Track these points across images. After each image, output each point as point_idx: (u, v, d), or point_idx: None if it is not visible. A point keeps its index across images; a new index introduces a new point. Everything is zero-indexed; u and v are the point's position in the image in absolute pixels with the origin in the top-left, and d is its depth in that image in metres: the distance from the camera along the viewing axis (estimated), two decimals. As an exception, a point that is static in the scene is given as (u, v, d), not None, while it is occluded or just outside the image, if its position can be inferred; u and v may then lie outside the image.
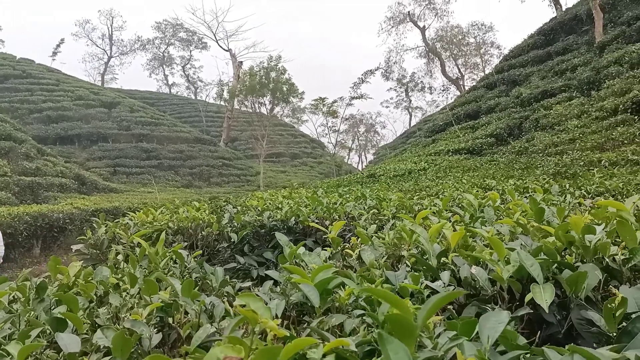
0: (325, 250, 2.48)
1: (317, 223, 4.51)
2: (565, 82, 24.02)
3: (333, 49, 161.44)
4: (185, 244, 3.91)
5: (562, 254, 1.77)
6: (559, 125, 19.18)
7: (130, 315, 1.35)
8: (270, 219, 4.68)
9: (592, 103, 19.46)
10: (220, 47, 55.60)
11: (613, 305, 1.29)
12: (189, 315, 1.32)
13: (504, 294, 1.58)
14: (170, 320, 1.34)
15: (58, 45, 63.46)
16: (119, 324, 1.42)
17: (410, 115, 69.82)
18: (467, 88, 46.48)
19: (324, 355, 0.96)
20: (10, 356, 1.06)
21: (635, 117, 15.45)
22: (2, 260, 9.32)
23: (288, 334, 0.89)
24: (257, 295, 1.17)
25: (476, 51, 56.31)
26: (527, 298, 1.49)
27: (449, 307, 1.56)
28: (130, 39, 76.03)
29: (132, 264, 1.98)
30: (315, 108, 44.13)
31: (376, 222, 4.12)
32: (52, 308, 1.53)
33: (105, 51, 71.60)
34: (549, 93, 24.13)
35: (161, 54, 75.43)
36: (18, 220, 12.79)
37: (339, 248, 2.43)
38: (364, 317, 1.29)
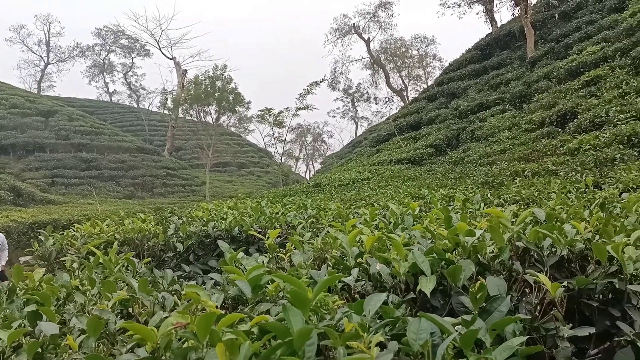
0: (265, 255, 2.83)
1: (259, 232, 4.84)
2: (499, 95, 25.46)
3: (280, 60, 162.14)
4: (133, 254, 4.13)
5: (451, 253, 2.19)
6: (492, 137, 20.35)
7: (95, 308, 1.64)
8: (215, 229, 4.96)
9: (522, 116, 20.78)
10: (164, 55, 54.90)
11: (474, 289, 1.70)
12: (145, 307, 1.63)
13: (401, 285, 1.97)
14: (130, 310, 1.65)
15: (-10, 51, 60.49)
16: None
17: (357, 125, 71.22)
18: (410, 99, 48.07)
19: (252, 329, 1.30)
20: (1, 340, 1.34)
21: (559, 129, 16.70)
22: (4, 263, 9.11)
23: (222, 312, 1.21)
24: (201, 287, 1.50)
25: (419, 63, 58.33)
26: (418, 288, 1.89)
27: (356, 296, 1.94)
28: (68, 46, 73.50)
29: (89, 270, 2.25)
30: (261, 118, 44.34)
31: (314, 230, 4.50)
32: (22, 307, 1.79)
33: (42, 58, 68.95)
34: (484, 106, 25.49)
35: (101, 61, 73.42)
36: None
37: (275, 253, 2.77)
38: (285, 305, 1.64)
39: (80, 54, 70.81)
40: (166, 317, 1.37)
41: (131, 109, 66.85)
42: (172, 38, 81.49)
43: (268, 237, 2.88)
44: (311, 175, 61.32)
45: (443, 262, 2.07)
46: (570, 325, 1.79)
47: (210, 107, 42.74)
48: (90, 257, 2.66)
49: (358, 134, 63.99)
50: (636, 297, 1.97)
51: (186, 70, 51.85)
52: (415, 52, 57.86)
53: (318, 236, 4.00)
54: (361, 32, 56.17)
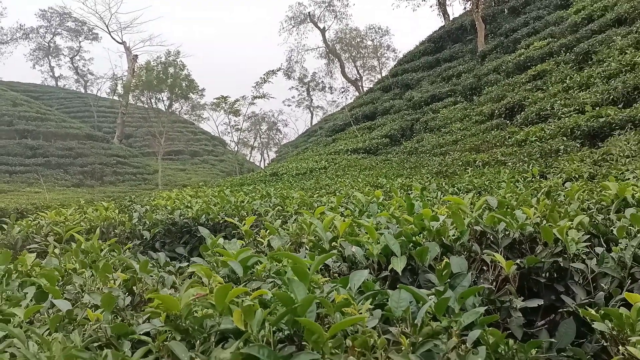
0: (240, 241, 2.99)
1: (224, 220, 4.98)
2: (451, 87, 26.23)
3: (234, 43, 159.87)
4: (116, 239, 4.20)
5: (417, 236, 2.42)
6: (444, 128, 21.02)
7: (95, 289, 1.77)
8: (181, 217, 5.05)
9: (473, 108, 21.55)
10: (114, 39, 53.12)
11: (440, 267, 1.93)
12: (147, 285, 1.77)
13: (374, 265, 2.19)
14: (133, 289, 1.78)
15: None
16: (79, 298, 1.82)
17: (312, 114, 71.46)
18: (365, 89, 48.63)
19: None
20: (18, 316, 1.45)
21: (507, 121, 17.46)
22: None
23: (231, 285, 1.37)
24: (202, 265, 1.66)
25: (374, 54, 58.92)
26: (390, 267, 2.10)
27: (335, 275, 2.14)
28: (11, 27, 69.84)
29: (76, 255, 2.35)
30: (217, 106, 43.81)
31: (280, 217, 4.67)
32: (19, 289, 1.89)
33: (-19, 39, 65.34)
34: (437, 97, 26.22)
35: (46, 44, 70.26)
36: None
37: (251, 238, 2.94)
38: (275, 282, 1.82)
39: (23, 36, 67.53)
40: (168, 294, 1.52)
41: (78, 95, 64.44)
42: (122, 22, 78.81)
43: (244, 224, 3.03)
44: (266, 164, 61.22)
45: (411, 245, 2.29)
46: (522, 298, 2.06)
47: (162, 93, 41.84)
48: (71, 243, 2.74)
49: (313, 123, 64.27)
50: (578, 274, 2.26)
51: (137, 56, 50.47)
52: (370, 43, 58.41)
53: (286, 223, 4.19)
54: (317, 21, 56.28)
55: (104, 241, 4.84)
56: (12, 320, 1.45)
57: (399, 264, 2.04)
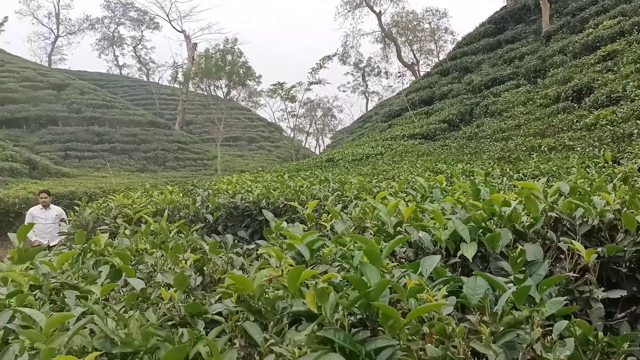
0: (302, 225, 2.99)
1: (284, 205, 5.02)
2: (514, 70, 25.21)
3: (293, 34, 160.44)
4: (184, 221, 4.33)
5: (487, 222, 2.33)
6: (506, 112, 20.26)
7: (166, 268, 1.81)
8: (243, 201, 5.13)
9: (537, 91, 20.63)
10: (174, 27, 54.76)
11: (514, 255, 1.85)
12: (217, 266, 1.79)
13: (442, 251, 2.12)
14: (204, 269, 1.81)
15: (1, 24, 60.47)
16: (151, 277, 1.87)
17: (367, 100, 70.84)
18: (422, 74, 47.64)
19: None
20: (94, 294, 1.50)
21: (575, 104, 16.61)
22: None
23: (303, 267, 1.36)
24: (273, 246, 1.66)
25: (431, 37, 57.48)
26: (459, 253, 2.03)
27: (402, 261, 2.09)
28: (78, 18, 73.22)
29: (146, 236, 2.42)
30: (273, 93, 44.25)
31: (340, 202, 4.65)
32: (94, 267, 1.96)
33: (52, 30, 68.77)
34: (498, 80, 25.28)
35: (111, 34, 73.09)
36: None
37: (314, 222, 2.93)
38: (341, 265, 1.79)
39: (89, 26, 70.53)
40: (238, 275, 1.52)
41: (141, 83, 66.78)
42: (182, 11, 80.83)
43: (306, 208, 3.02)
44: (321, 150, 61.41)
45: (480, 231, 2.20)
46: (602, 288, 1.93)
47: (220, 80, 42.66)
48: (140, 225, 2.83)
49: (369, 109, 63.75)
50: (663, 264, 2.10)
51: (196, 44, 51.64)
52: (427, 26, 56.99)
53: (346, 208, 4.16)
54: (372, 4, 55.40)
55: (170, 223, 5.01)
56: (89, 297, 1.50)
57: (469, 250, 1.97)
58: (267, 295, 1.34)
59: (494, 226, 2.25)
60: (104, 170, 29.99)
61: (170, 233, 2.49)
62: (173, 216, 4.95)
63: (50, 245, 9.11)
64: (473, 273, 1.46)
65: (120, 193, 5.17)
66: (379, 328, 1.23)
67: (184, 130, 47.90)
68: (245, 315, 1.29)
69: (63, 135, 34.24)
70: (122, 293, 1.61)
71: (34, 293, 1.54)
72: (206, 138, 48.29)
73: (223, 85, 43.23)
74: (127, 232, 2.69)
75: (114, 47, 74.73)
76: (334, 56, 46.71)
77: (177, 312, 1.36)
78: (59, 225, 9.30)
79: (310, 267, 1.78)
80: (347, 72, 67.52)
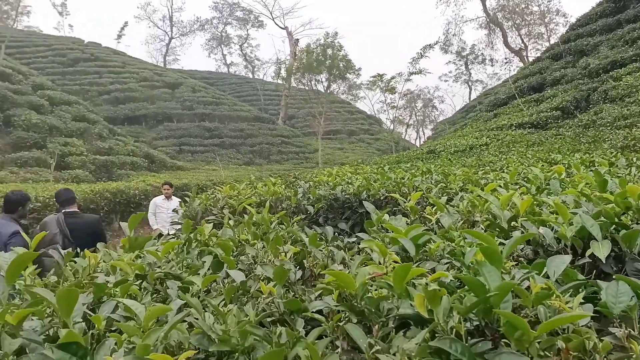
0: (404, 218, 2.84)
1: (384, 197, 4.88)
2: (636, 51, 22.80)
3: (390, 24, 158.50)
4: (284, 212, 4.36)
5: (622, 217, 2.03)
6: (629, 97, 18.39)
7: (267, 260, 1.77)
8: (343, 193, 5.06)
9: (666, 72, 18.49)
10: (277, 25, 56.30)
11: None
12: (317, 260, 1.72)
13: (567, 250, 1.87)
14: (304, 263, 1.75)
15: (122, 29, 66.00)
16: (252, 269, 1.84)
17: (470, 89, 68.10)
18: (530, 59, 44.79)
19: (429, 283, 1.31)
20: (196, 285, 1.49)
21: None
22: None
23: (410, 264, 1.23)
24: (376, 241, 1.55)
25: (540, 20, 53.82)
26: (588, 252, 1.78)
27: (520, 259, 1.88)
28: (189, 20, 77.98)
29: (248, 227, 2.42)
30: (373, 85, 43.97)
31: (444, 194, 4.42)
32: (198, 257, 1.98)
33: (167, 33, 73.83)
34: (618, 63, 23.01)
35: (219, 34, 76.96)
36: (99, 197, 13.86)
37: (417, 215, 2.77)
38: (452, 263, 1.63)
39: (199, 27, 74.84)
40: (339, 270, 1.43)
41: (247, 80, 69.61)
42: (284, 8, 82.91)
43: (409, 200, 2.87)
44: (422, 142, 60.12)
45: (613, 227, 1.93)
46: None
47: (321, 75, 43.18)
48: (244, 215, 2.85)
49: (472, 98, 61.20)
50: None
51: (298, 40, 52.68)
52: (536, 8, 53.40)
53: (451, 200, 3.94)
54: (477, -11, 52.92)
55: (272, 214, 5.09)
56: (191, 288, 1.49)
57: (601, 250, 1.71)
58: (369, 294, 1.23)
59: (630, 222, 1.95)
60: (214, 164, 31.63)
61: (271, 224, 2.47)
62: (276, 207, 5.01)
63: (170, 234, 9.76)
64: (614, 277, 1.24)
65: (227, 184, 5.33)
66: (501, 339, 1.07)
67: (287, 125, 49.22)
68: (346, 315, 1.19)
69: (177, 131, 36.61)
70: (223, 285, 1.59)
71: (138, 282, 1.56)
72: (308, 132, 49.25)
73: (324, 79, 43.73)
74: (232, 222, 2.71)
75: (222, 46, 78.63)
76: (435, 44, 45.30)
77: (276, 309, 1.29)
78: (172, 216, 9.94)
79: (416, 264, 1.64)
80: (449, 61, 65.38)
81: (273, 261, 1.74)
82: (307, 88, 45.55)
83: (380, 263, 1.44)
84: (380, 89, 44.28)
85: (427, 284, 1.15)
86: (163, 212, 9.81)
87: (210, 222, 4.27)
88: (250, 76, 76.16)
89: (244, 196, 4.98)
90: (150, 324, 1.10)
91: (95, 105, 35.53)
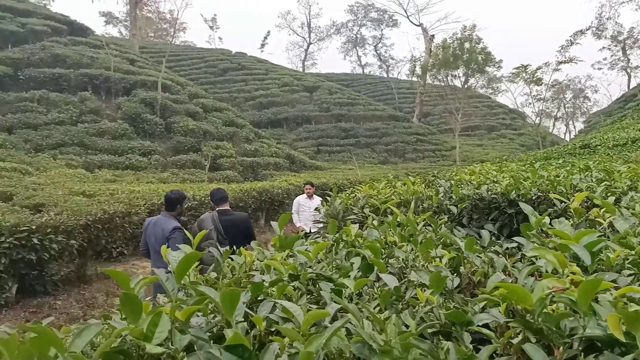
0: (567, 221, 2.56)
1: (537, 196, 4.48)
2: None
3: (533, 11, 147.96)
4: (430, 213, 4.24)
5: None
6: None
7: (418, 265, 1.69)
8: (489, 192, 4.77)
9: None
10: (411, 22, 55.52)
11: None
12: (475, 267, 1.60)
13: None
14: (460, 269, 1.64)
15: (265, 37, 70.27)
16: (402, 274, 1.76)
17: (629, 77, 60.80)
18: None
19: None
20: (348, 287, 1.46)
21: None
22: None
23: (583, 278, 1.07)
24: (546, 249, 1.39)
25: None
26: None
27: None
28: (326, 25, 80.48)
29: (393, 227, 2.35)
30: (516, 77, 41.35)
31: (609, 194, 3.94)
32: (346, 258, 1.96)
33: (305, 39, 76.84)
34: None
35: (354, 36, 78.18)
36: (247, 195, 14.80)
37: (582, 218, 2.47)
38: (637, 276, 1.41)
39: (335, 31, 76.71)
40: (502, 279, 1.29)
41: (381, 79, 69.75)
42: (419, 5, 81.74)
43: (572, 201, 2.58)
44: (572, 136, 55.23)
45: None
46: None
47: (458, 70, 41.69)
48: (388, 215, 2.79)
49: (631, 87, 54.62)
50: None
51: (433, 36, 51.48)
52: None
53: (619, 201, 3.49)
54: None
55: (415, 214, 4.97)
56: (343, 291, 1.46)
57: None
58: (545, 310, 1.09)
59: None
60: (350, 163, 32.16)
61: (417, 225, 2.38)
62: (416, 207, 4.88)
63: (311, 232, 10.17)
64: None
65: (366, 184, 5.33)
66: None
67: (422, 122, 48.33)
68: (520, 332, 1.07)
69: (315, 132, 37.88)
70: (374, 289, 1.54)
71: (292, 283, 1.57)
72: (444, 129, 47.93)
73: (461, 74, 42.17)
74: (375, 222, 2.67)
75: (357, 48, 79.78)
76: (587, 30, 41.24)
77: (436, 319, 1.20)
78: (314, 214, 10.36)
79: (592, 273, 1.44)
80: (603, 47, 58.89)
81: (426, 266, 1.65)
82: (443, 84, 44.28)
83: (554, 273, 1.28)
84: (525, 80, 41.46)
85: (626, 303, 0.98)
86: (305, 210, 10.19)
87: (353, 222, 4.29)
88: (385, 75, 76.19)
89: (383, 195, 4.93)
90: (308, 327, 1.08)
91: (242, 110, 38.12)
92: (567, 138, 61.48)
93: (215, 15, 71.56)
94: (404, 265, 1.75)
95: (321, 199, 10.70)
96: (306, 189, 10.35)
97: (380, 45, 77.65)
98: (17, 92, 22.93)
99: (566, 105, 62.34)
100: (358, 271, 1.69)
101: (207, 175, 21.20)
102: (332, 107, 41.53)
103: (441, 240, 2.13)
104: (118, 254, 10.95)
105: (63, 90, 24.16)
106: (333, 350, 1.05)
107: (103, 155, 20.66)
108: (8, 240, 7.25)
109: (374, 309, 1.28)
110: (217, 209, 6.39)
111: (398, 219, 2.61)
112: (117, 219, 9.42)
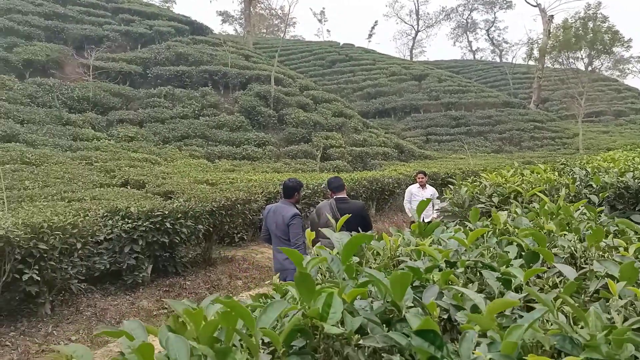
0: None
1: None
2: None
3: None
4: (585, 201, 3.94)
5: None
6: None
7: (591, 255, 1.54)
8: (637, 180, 4.31)
9: None
10: (528, 3, 52.00)
11: None
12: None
13: None
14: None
15: (372, 28, 70.01)
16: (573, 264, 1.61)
17: None
18: None
19: None
20: (517, 278, 1.36)
21: None
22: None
23: None
24: None
25: None
26: None
27: None
28: (435, 11, 78.26)
29: (544, 215, 2.18)
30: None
31: None
32: (498, 245, 1.84)
33: (413, 27, 75.28)
34: None
35: (464, 21, 75.17)
36: (358, 185, 14.84)
37: None
38: None
39: (445, 17, 74.31)
40: None
41: (494, 65, 66.41)
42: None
43: None
44: None
45: None
46: None
47: (581, 51, 38.39)
48: (533, 204, 2.60)
49: None
50: None
51: (552, 16, 47.84)
52: None
53: None
54: None
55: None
56: (512, 281, 1.36)
57: None
58: None
59: None
60: (461, 152, 31.07)
61: (575, 213, 2.18)
62: (551, 196, 4.55)
63: (426, 221, 9.99)
64: None
65: (491, 172, 5.07)
66: None
67: (540, 109, 45.31)
68: None
69: (424, 121, 37.06)
70: (542, 279, 1.42)
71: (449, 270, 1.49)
72: (564, 115, 44.64)
73: (584, 56, 38.81)
74: (519, 211, 2.50)
75: (467, 33, 76.74)
76: None
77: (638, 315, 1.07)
78: (432, 203, 10.22)
79: None
80: None
81: (608, 256, 1.49)
82: (564, 67, 41.08)
83: None
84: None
85: None
86: (418, 199, 10.06)
87: (482, 210, 4.09)
88: (498, 60, 72.48)
89: (512, 184, 4.65)
90: (493, 317, 1.00)
91: (351, 101, 38.33)
92: None
93: (323, 8, 72.69)
94: (572, 255, 1.60)
95: (434, 189, 10.49)
96: (419, 178, 10.18)
97: (492, 29, 73.98)
98: (147, 89, 24.98)
99: None
100: (515, 258, 1.57)
101: (318, 164, 21.61)
102: (442, 95, 40.32)
103: (613, 230, 1.93)
104: (239, 239, 11.55)
105: (186, 86, 25.92)
106: (527, 342, 0.97)
107: (222, 147, 21.87)
108: (144, 224, 7.89)
109: (556, 302, 1.17)
110: (335, 197, 6.46)
111: (546, 207, 2.42)
112: (238, 205, 9.89)
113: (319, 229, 5.99)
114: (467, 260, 1.53)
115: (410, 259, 1.69)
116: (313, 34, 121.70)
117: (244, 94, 26.39)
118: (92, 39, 26.97)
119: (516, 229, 1.94)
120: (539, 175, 4.89)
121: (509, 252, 1.72)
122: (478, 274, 1.46)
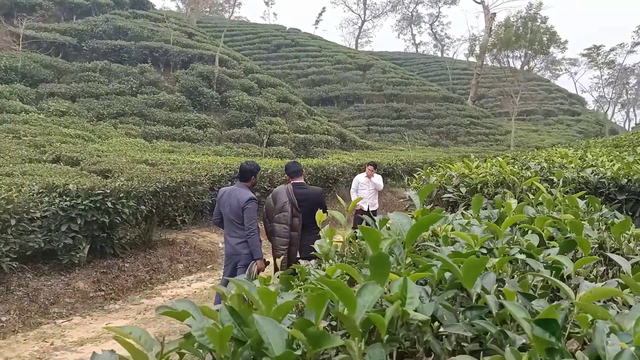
0: None
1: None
2: None
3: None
4: (585, 192, 3.96)
5: None
6: None
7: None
8: (596, 177, 4.45)
9: None
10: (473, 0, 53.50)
11: None
12: None
13: None
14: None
15: (320, 14, 69.56)
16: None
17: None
18: None
19: None
20: (565, 267, 1.27)
21: None
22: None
23: None
24: None
25: None
26: None
27: None
28: (382, 1, 78.90)
29: (548, 206, 2.13)
30: (589, 59, 39.39)
31: None
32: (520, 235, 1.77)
33: (360, 16, 75.57)
34: None
35: (410, 14, 76.39)
36: (304, 171, 14.72)
37: None
38: None
39: (391, 8, 75.06)
40: None
41: (436, 59, 68.01)
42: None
43: None
44: (631, 125, 52.63)
45: None
46: None
47: (519, 50, 40.02)
48: (527, 194, 2.57)
49: None
50: None
51: (495, 14, 49.52)
52: None
53: None
54: None
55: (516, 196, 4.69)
56: (563, 269, 1.27)
57: None
58: None
59: None
60: (400, 144, 31.63)
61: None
62: (514, 187, 4.62)
63: (370, 210, 10.09)
64: None
65: (457, 163, 5.10)
66: None
67: (476, 105, 46.94)
68: None
69: (366, 111, 37.38)
70: (585, 269, 1.34)
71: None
72: (498, 112, 46.44)
73: (522, 55, 40.49)
74: (513, 200, 2.45)
75: (412, 26, 78.02)
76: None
77: None
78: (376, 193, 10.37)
79: None
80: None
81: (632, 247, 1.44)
82: (501, 65, 42.69)
83: None
84: (597, 63, 39.35)
85: None
86: (365, 189, 10.17)
87: (448, 200, 4.06)
88: (439, 55, 74.35)
89: (477, 174, 4.68)
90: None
91: (295, 87, 37.96)
92: (626, 127, 58.66)
93: (271, -10, 71.14)
94: (600, 245, 1.54)
95: (380, 177, 10.63)
96: (368, 169, 10.24)
97: (436, 23, 75.74)
98: (81, 62, 23.54)
99: (628, 92, 59.35)
100: (545, 247, 1.49)
101: (263, 150, 21.28)
102: (385, 87, 40.79)
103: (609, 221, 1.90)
104: (180, 222, 11.14)
105: (124, 62, 24.65)
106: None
107: (161, 126, 21.04)
108: (84, 203, 7.40)
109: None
110: (292, 181, 6.30)
111: (540, 198, 2.39)
112: (183, 187, 9.52)
113: (276, 215, 5.73)
114: (506, 248, 1.43)
115: (438, 245, 1.58)
116: (259, 17, 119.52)
117: (185, 73, 25.46)
118: (22, 6, 25.07)
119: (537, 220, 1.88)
120: (502, 168, 4.96)
121: (529, 240, 1.64)
122: (514, 262, 1.37)
